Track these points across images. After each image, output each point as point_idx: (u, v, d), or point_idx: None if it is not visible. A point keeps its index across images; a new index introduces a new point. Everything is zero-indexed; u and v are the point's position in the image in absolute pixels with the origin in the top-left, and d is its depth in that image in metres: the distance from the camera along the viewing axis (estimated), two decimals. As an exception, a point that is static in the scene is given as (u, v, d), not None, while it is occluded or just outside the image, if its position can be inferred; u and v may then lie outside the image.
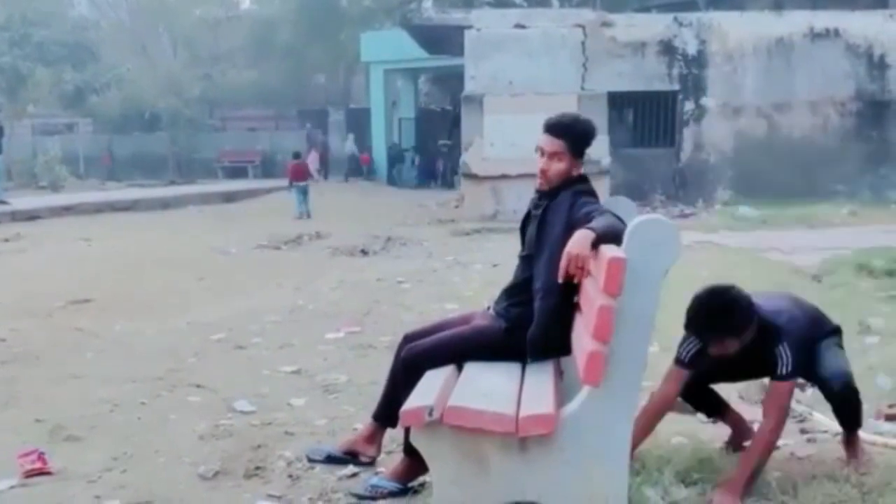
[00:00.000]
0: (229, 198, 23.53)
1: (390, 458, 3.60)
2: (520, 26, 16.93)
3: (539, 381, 3.18)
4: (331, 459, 3.63)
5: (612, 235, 2.95)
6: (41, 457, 3.67)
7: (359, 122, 32.73)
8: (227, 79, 38.24)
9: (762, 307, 3.22)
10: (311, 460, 3.67)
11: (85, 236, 13.60)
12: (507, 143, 15.02)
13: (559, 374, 3.34)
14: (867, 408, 4.01)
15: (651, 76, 17.35)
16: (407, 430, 3.14)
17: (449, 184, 25.99)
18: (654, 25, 17.47)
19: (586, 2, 24.34)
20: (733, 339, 3.13)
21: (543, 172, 3.41)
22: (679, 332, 3.32)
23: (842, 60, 17.19)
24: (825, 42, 17.18)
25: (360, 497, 3.27)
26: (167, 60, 39.16)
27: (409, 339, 3.57)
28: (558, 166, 3.38)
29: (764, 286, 7.42)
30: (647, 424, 3.24)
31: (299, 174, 18.11)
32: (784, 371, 3.15)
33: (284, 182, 23.95)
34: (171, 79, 35.89)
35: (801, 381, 4.42)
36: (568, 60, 16.87)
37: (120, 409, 4.54)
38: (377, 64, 29.19)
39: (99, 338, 6.37)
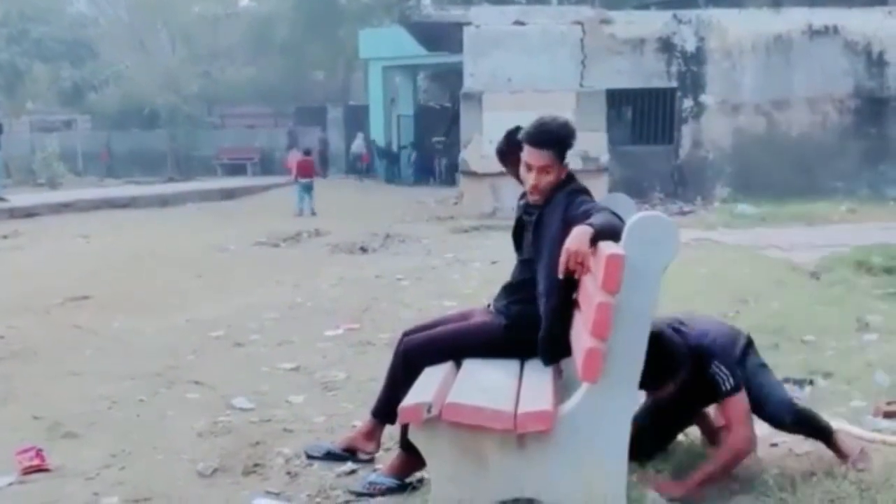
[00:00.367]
0: (228, 195, 23.51)
1: (388, 454, 3.60)
2: (519, 23, 16.92)
3: (538, 378, 3.18)
4: (330, 456, 3.63)
5: (611, 232, 2.93)
6: (39, 454, 3.66)
7: (357, 119, 32.69)
8: (226, 75, 38.18)
9: (689, 334, 3.21)
10: (309, 457, 3.66)
11: (83, 233, 13.59)
12: (506, 140, 15.00)
13: (558, 371, 3.34)
14: (866, 405, 4.03)
15: (650, 73, 17.35)
16: (404, 426, 3.14)
17: (445, 180, 25.96)
18: (653, 22, 17.45)
19: (585, -2, 24.31)
20: (670, 381, 3.16)
21: (535, 188, 3.35)
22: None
23: (840, 57, 17.18)
24: (824, 39, 17.17)
25: (359, 494, 3.27)
26: (166, 57, 39.08)
27: (408, 336, 3.57)
28: (548, 178, 3.33)
29: (762, 283, 7.47)
30: None
31: (306, 170, 17.97)
32: (727, 387, 3.12)
33: (283, 179, 23.98)
34: (170, 76, 35.81)
35: (798, 378, 4.44)
36: (567, 57, 16.85)
37: (118, 406, 4.54)
38: (376, 61, 29.14)
39: (97, 335, 6.37)
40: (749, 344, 3.37)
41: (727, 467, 3.14)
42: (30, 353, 5.79)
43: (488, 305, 3.63)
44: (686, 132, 17.64)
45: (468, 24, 17.02)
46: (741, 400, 3.15)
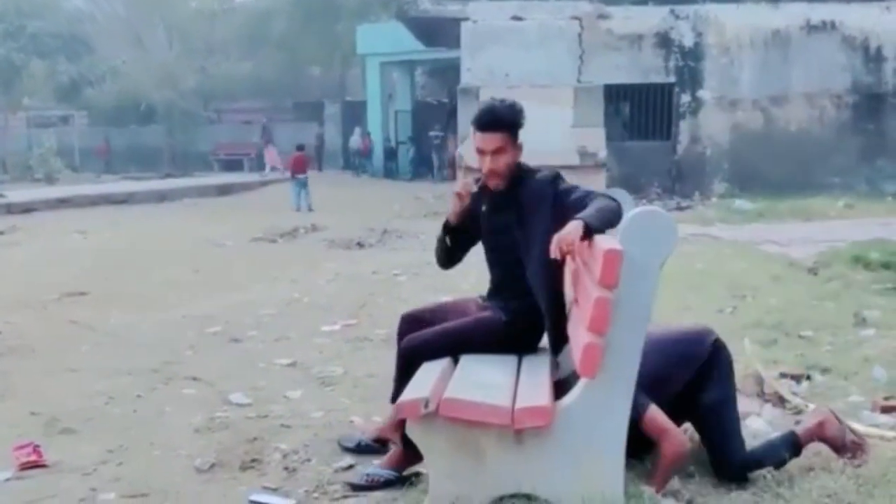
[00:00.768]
0: (225, 190, 23.49)
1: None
2: (516, 18, 16.92)
3: (535, 374, 3.18)
4: (362, 448, 3.64)
5: (607, 222, 2.96)
6: (36, 450, 3.66)
7: (355, 115, 32.64)
8: (223, 71, 38.10)
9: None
10: (343, 448, 3.67)
11: (80, 229, 13.58)
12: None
13: (555, 365, 3.34)
14: (863, 400, 4.03)
15: (647, 69, 17.35)
16: (402, 421, 3.13)
17: (443, 176, 25.92)
18: (651, 18, 17.46)
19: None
20: None
21: (493, 172, 3.36)
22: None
23: (838, 53, 17.20)
24: (822, 34, 17.18)
25: (357, 486, 3.27)
26: (162, 52, 38.98)
27: (406, 320, 3.58)
28: (506, 159, 3.36)
29: (759, 279, 7.47)
30: None
31: (300, 166, 17.98)
32: (634, 417, 3.00)
33: (280, 174, 23.98)
34: (167, 71, 35.74)
35: (796, 373, 4.44)
36: (564, 53, 16.86)
37: (115, 401, 4.53)
38: (373, 56, 29.08)
39: (94, 330, 6.36)
40: (709, 372, 3.22)
41: (671, 471, 3.09)
42: (27, 348, 5.78)
43: (482, 298, 3.62)
44: (684, 127, 17.65)
45: (466, 19, 17.02)
46: (651, 418, 3.07)
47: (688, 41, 17.34)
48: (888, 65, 17.23)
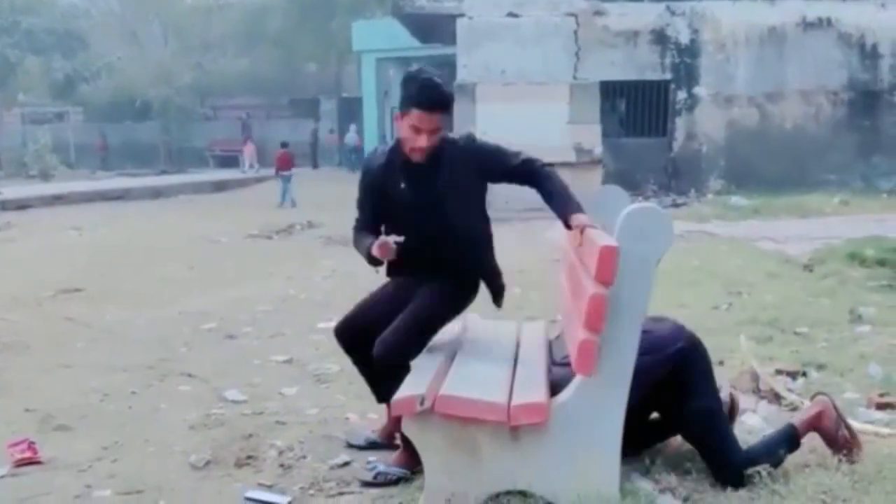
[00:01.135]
0: (220, 187, 23.49)
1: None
2: (512, 15, 16.89)
3: (531, 370, 3.18)
4: (372, 445, 3.62)
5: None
6: (31, 446, 3.65)
7: (351, 112, 32.62)
8: (218, 67, 38.07)
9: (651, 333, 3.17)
10: (350, 446, 3.66)
11: (75, 225, 13.56)
12: (499, 132, 14.92)
13: (551, 363, 3.33)
14: (859, 397, 4.03)
15: (643, 65, 17.34)
16: (398, 419, 3.12)
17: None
18: (647, 14, 17.43)
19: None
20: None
21: (425, 150, 3.35)
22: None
23: (834, 50, 17.20)
24: (818, 31, 17.18)
25: (368, 484, 3.25)
26: (158, 49, 38.95)
27: (344, 332, 3.65)
28: (438, 135, 3.38)
29: (755, 275, 7.48)
30: None
31: (285, 163, 18.31)
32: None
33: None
34: (162, 67, 35.71)
35: (791, 370, 4.44)
36: (560, 49, 16.84)
37: (110, 398, 4.52)
38: (369, 53, 29.08)
39: (89, 327, 6.35)
40: (689, 378, 3.10)
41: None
42: (22, 345, 5.77)
43: (389, 275, 3.73)
44: (680, 124, 17.64)
45: (461, 15, 17.00)
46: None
47: (684, 38, 17.33)
48: (884, 62, 17.24)
